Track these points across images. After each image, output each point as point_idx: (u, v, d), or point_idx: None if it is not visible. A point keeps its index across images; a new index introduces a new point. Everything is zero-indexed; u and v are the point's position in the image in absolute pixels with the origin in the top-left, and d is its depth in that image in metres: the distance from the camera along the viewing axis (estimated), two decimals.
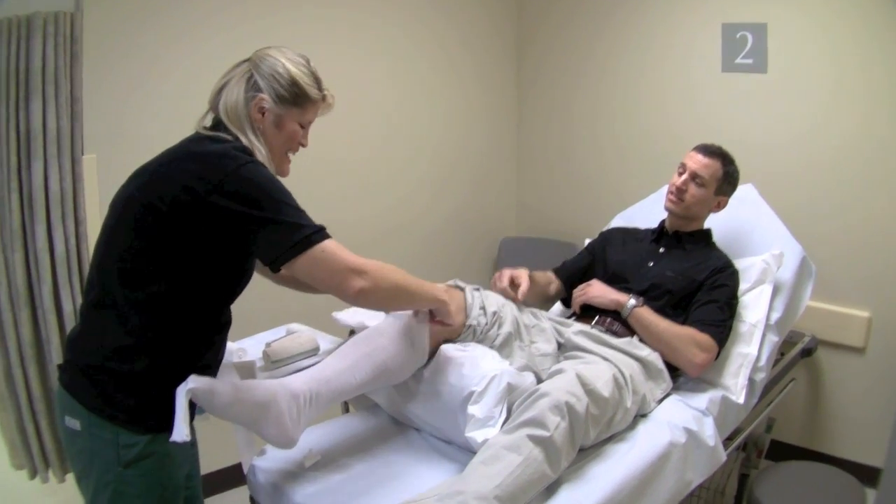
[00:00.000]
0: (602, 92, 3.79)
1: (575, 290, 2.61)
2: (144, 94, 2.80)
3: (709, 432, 2.22)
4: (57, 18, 2.38)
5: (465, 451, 1.97)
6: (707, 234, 2.70)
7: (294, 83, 1.75)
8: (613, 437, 2.09)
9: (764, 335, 2.51)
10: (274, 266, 1.63)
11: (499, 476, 1.71)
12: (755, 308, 2.54)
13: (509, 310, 2.29)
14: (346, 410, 2.52)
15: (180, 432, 1.54)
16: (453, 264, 4.03)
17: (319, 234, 1.65)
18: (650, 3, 3.51)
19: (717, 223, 2.73)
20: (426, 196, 3.89)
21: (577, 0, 3.82)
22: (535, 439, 1.79)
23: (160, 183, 1.62)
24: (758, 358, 2.47)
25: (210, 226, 1.60)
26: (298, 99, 1.77)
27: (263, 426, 1.73)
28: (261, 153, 1.71)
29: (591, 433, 1.95)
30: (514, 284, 2.45)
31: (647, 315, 2.41)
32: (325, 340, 2.47)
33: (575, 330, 2.36)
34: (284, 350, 2.34)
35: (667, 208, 2.65)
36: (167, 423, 1.57)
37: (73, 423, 1.65)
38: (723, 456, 2.26)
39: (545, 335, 2.32)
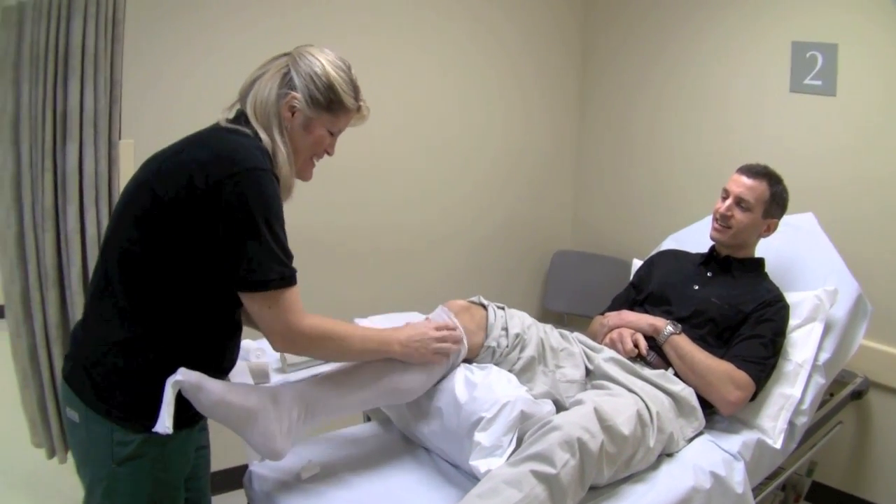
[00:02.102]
0: (665, 107, 3.65)
1: (607, 317, 2.51)
2: (187, 81, 2.77)
3: (738, 478, 2.08)
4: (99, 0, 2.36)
5: (471, 478, 1.87)
6: (759, 263, 2.55)
7: (331, 88, 1.67)
8: (632, 477, 1.97)
9: (810, 376, 2.36)
10: (231, 284, 1.57)
11: None
12: (803, 347, 2.39)
13: (535, 332, 2.18)
14: (368, 420, 2.45)
15: (162, 423, 1.51)
16: (503, 274, 3.95)
17: (289, 280, 1.60)
18: (719, 18, 3.36)
19: (770, 252, 2.59)
20: (480, 203, 3.81)
21: (645, 11, 3.70)
22: (540, 476, 1.69)
23: (168, 172, 1.57)
24: (801, 400, 2.32)
25: (207, 222, 1.53)
26: (332, 105, 1.69)
27: (249, 433, 1.67)
28: (282, 153, 1.65)
29: (605, 472, 1.83)
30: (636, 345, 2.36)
31: (685, 344, 2.30)
32: None
33: (605, 357, 2.24)
34: None
35: (713, 238, 2.52)
36: None
37: (73, 415, 1.63)
38: None
39: (573, 360, 2.21)
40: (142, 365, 1.57)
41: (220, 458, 2.77)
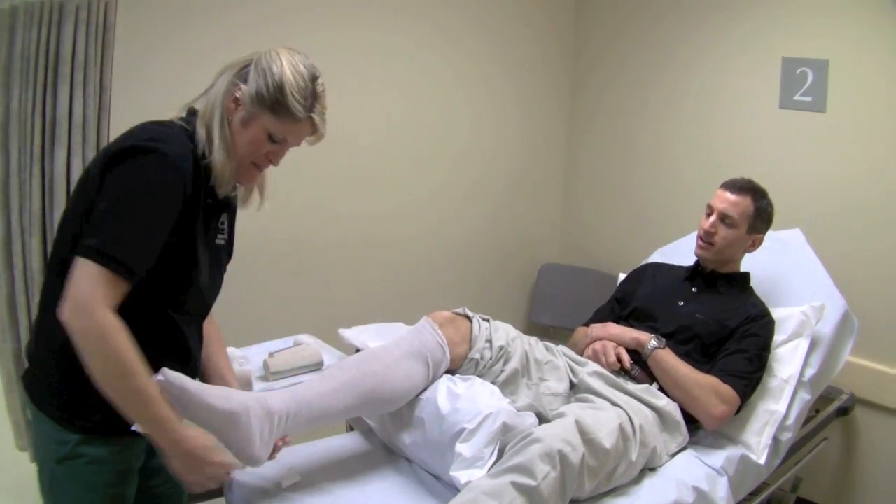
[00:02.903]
0: (653, 121, 3.67)
1: (592, 329, 2.50)
2: (177, 87, 2.72)
3: (721, 493, 2.08)
4: (90, 5, 2.37)
5: (452, 489, 1.86)
6: (745, 277, 2.55)
7: (280, 89, 1.58)
8: (614, 491, 1.96)
9: (795, 392, 2.36)
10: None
11: None
12: (789, 363, 2.38)
13: (519, 344, 2.18)
14: (350, 429, 2.44)
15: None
16: (490, 286, 3.95)
17: (112, 262, 1.44)
18: (710, 33, 3.39)
19: (757, 267, 2.58)
20: (468, 215, 3.81)
21: (635, 26, 3.72)
22: (520, 487, 1.68)
23: (93, 166, 1.56)
24: (786, 416, 2.32)
25: None
26: (277, 107, 1.59)
27: (229, 438, 1.65)
28: (216, 143, 1.58)
29: (586, 486, 1.83)
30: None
31: (669, 358, 2.28)
32: (331, 356, 2.41)
33: (589, 371, 2.23)
34: (286, 362, 2.28)
35: (697, 255, 2.52)
36: (98, 426, 1.53)
37: (29, 413, 1.65)
38: None
39: (558, 373, 2.20)
40: (75, 366, 1.52)
41: None
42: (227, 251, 1.83)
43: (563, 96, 4.05)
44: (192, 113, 1.65)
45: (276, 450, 1.78)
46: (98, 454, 1.59)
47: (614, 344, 2.38)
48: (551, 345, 2.32)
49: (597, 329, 2.48)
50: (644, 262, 2.93)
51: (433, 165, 3.63)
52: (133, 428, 1.50)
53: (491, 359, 2.11)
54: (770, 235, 2.52)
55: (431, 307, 2.23)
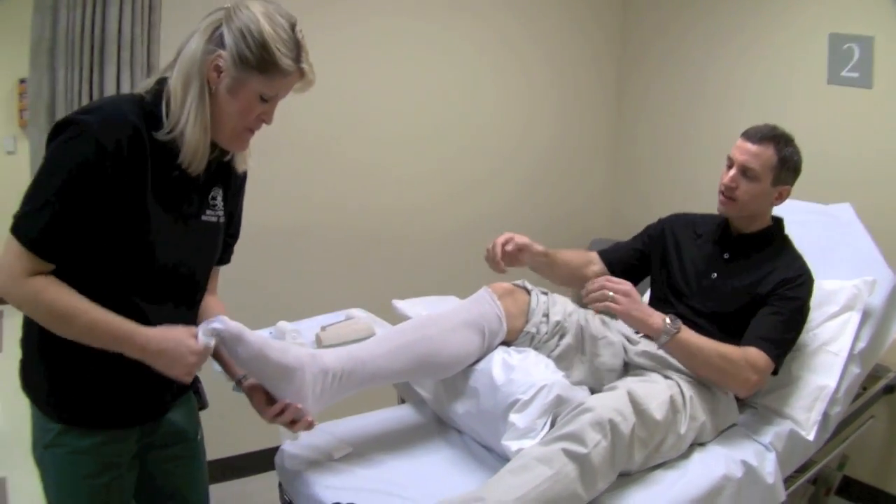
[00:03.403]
0: (702, 97, 3.67)
1: (600, 284, 2.13)
2: None
3: (769, 469, 2.05)
4: None
5: (503, 461, 1.86)
6: (776, 230, 2.33)
7: (264, 46, 1.45)
8: (663, 465, 1.95)
9: (846, 366, 2.29)
10: None
11: (523, 487, 1.62)
12: (840, 336, 2.32)
13: (575, 319, 2.16)
14: (402, 401, 2.45)
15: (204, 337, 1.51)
16: None
17: (25, 235, 1.39)
18: (758, 9, 3.37)
19: (807, 240, 2.42)
20: (519, 190, 3.87)
21: (683, 3, 3.72)
22: (571, 455, 1.69)
23: None
24: (836, 390, 2.24)
25: None
26: (264, 65, 1.46)
27: (282, 391, 1.68)
28: (189, 120, 1.46)
29: (636, 457, 1.82)
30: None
31: (691, 338, 2.07)
32: (383, 330, 2.40)
33: (639, 350, 2.13)
34: (338, 336, 2.29)
35: (720, 211, 2.32)
36: (80, 418, 1.53)
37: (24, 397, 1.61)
38: (782, 495, 2.09)
39: (612, 349, 2.13)
40: (56, 358, 1.51)
41: (252, 439, 2.81)
42: (226, 230, 1.72)
43: (611, 75, 4.09)
44: (160, 82, 1.52)
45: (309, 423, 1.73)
46: (80, 445, 1.55)
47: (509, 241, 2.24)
48: (608, 319, 2.22)
49: (622, 299, 2.09)
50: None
51: (487, 144, 3.72)
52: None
53: (547, 333, 2.11)
54: (820, 209, 2.47)
55: (482, 281, 2.23)
